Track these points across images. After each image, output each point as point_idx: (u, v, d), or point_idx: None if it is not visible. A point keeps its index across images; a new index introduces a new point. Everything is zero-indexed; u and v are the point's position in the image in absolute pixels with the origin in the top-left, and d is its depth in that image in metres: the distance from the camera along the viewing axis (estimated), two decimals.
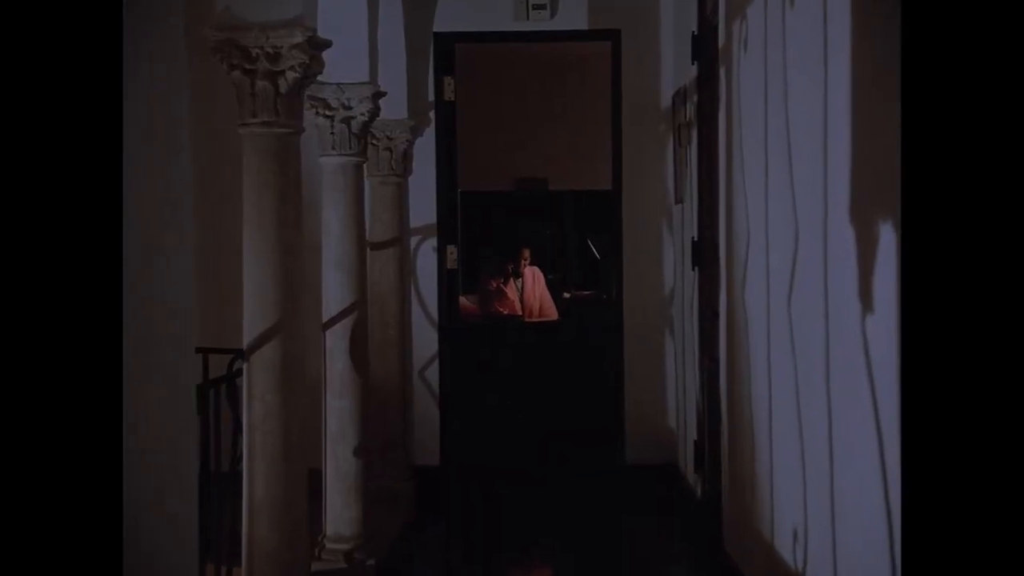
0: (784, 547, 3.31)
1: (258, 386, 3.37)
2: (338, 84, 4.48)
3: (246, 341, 3.38)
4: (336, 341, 4.51)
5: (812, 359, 2.94)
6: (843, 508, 2.60)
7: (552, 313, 8.66)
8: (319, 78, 4.03)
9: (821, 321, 2.81)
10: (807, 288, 3.01)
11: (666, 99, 6.13)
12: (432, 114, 6.21)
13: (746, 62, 3.85)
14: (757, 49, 3.63)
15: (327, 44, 3.48)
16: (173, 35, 2.11)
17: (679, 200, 5.81)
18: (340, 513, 4.52)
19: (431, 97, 6.22)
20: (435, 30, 6.19)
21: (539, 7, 6.11)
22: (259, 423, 3.36)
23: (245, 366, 3.39)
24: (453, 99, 6.28)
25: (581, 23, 6.21)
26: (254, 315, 3.38)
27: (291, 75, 3.34)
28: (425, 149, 6.20)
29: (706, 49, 4.84)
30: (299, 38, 3.32)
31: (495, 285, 8.55)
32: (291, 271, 3.40)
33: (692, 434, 5.38)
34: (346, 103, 4.49)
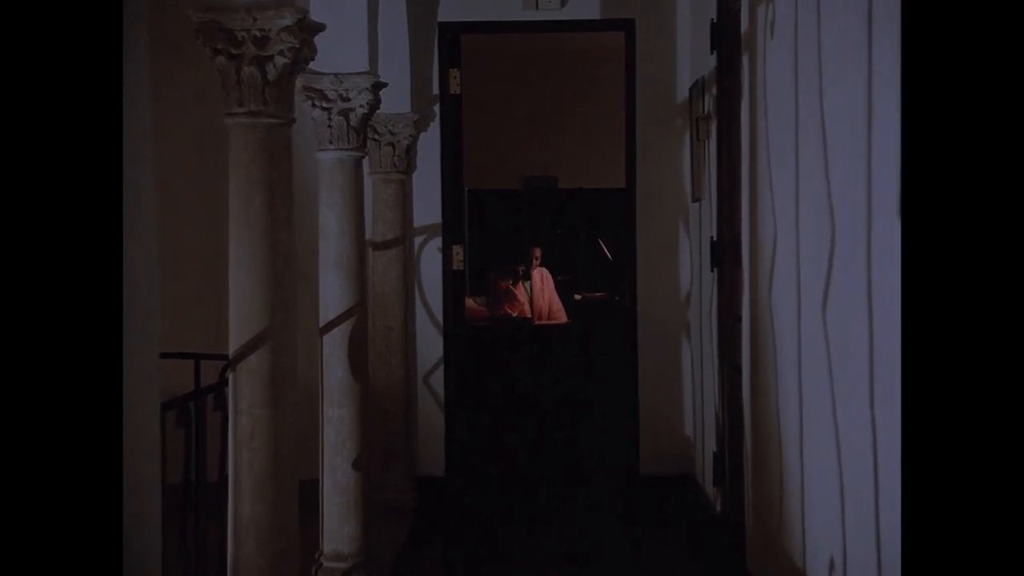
0: (819, 575, 3.03)
1: (245, 399, 3.09)
2: (336, 74, 4.22)
3: (232, 349, 3.11)
4: (334, 347, 4.25)
5: (852, 372, 2.66)
6: (891, 542, 2.32)
7: (562, 316, 8.44)
8: (316, 67, 3.79)
9: (863, 330, 2.53)
10: (847, 292, 2.73)
11: (683, 91, 5.86)
12: (437, 108, 5.94)
13: (773, 48, 3.58)
14: (787, 33, 3.36)
15: (320, 27, 3.22)
16: (136, 17, 1.88)
17: (697, 198, 5.54)
18: (338, 529, 4.26)
19: (436, 90, 5.95)
20: (440, 19, 5.92)
21: None
22: (246, 440, 3.09)
23: (231, 377, 3.12)
24: (459, 92, 6.00)
25: (593, 12, 5.95)
26: (241, 322, 3.11)
27: (280, 61, 3.07)
28: (430, 145, 5.94)
29: (726, 37, 4.58)
30: (289, 20, 3.05)
31: (504, 286, 8.32)
32: (282, 273, 3.12)
33: (711, 445, 5.10)
34: (344, 94, 4.23)
